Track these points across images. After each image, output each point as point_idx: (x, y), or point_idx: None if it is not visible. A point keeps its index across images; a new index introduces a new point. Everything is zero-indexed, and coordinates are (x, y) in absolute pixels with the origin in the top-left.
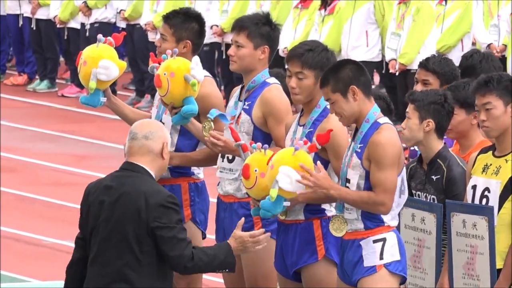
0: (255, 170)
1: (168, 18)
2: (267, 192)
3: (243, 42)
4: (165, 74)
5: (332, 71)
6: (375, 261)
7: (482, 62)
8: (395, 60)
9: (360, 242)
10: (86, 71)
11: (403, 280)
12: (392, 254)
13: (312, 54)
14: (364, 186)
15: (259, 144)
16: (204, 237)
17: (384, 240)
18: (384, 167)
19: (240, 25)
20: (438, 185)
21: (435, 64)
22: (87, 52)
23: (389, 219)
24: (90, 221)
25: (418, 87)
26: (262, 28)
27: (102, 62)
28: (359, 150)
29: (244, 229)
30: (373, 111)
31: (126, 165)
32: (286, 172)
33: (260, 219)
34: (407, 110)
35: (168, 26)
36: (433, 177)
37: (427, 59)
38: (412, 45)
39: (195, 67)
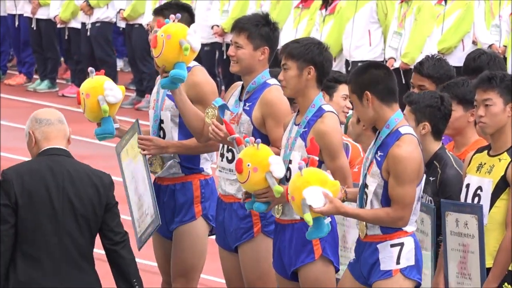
0: (248, 165)
1: (161, 10)
2: (260, 186)
3: (243, 43)
4: (162, 35)
5: (356, 72)
6: (391, 266)
7: (489, 64)
8: (394, 59)
9: (377, 246)
10: (92, 102)
11: (417, 285)
12: (407, 259)
13: (296, 45)
14: (381, 196)
15: (252, 138)
16: (213, 233)
17: (402, 244)
18: (403, 183)
19: (240, 26)
20: (434, 187)
21: (429, 68)
22: (86, 85)
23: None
24: (37, 208)
25: (415, 91)
26: (262, 29)
27: (106, 84)
28: (379, 159)
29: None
30: (395, 117)
31: (54, 150)
32: (311, 192)
33: (259, 220)
34: (404, 112)
35: (162, 17)
36: (430, 178)
37: (421, 63)
38: (414, 44)
39: (192, 34)
